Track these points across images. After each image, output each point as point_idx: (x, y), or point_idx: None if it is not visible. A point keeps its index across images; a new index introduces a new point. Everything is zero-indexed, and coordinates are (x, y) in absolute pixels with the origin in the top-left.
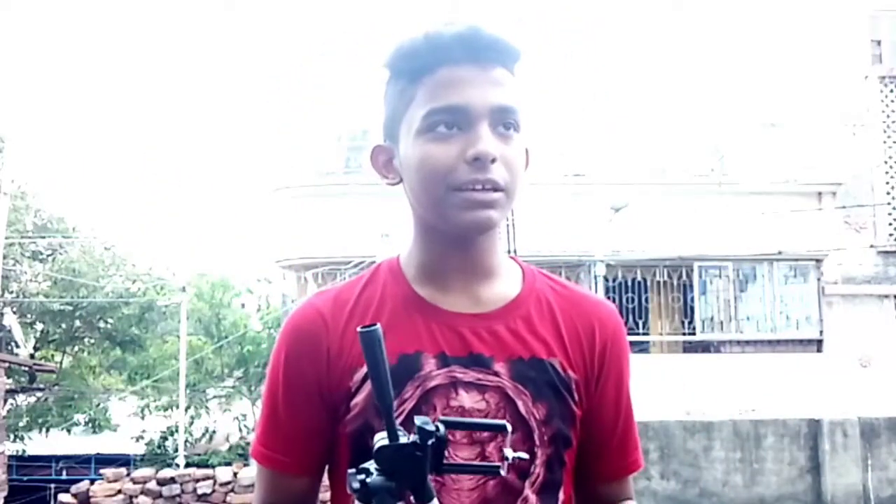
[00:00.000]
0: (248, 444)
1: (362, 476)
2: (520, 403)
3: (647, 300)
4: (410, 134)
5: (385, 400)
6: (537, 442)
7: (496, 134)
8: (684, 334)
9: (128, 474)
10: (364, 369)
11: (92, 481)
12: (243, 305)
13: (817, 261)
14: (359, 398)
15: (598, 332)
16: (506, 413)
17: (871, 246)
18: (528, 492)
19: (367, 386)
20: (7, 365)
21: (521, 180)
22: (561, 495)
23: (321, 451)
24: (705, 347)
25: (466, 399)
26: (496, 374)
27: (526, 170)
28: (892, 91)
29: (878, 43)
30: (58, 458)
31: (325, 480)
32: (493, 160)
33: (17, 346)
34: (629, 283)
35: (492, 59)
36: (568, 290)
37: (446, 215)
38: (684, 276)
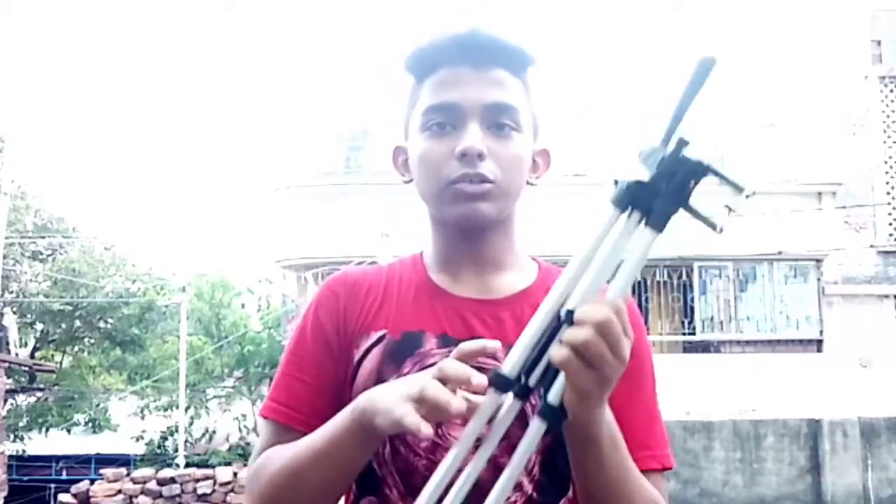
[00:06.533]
0: (248, 444)
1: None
2: None
3: (647, 300)
4: (414, 132)
5: None
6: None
7: (489, 132)
8: (684, 334)
9: (128, 474)
10: (371, 339)
11: (92, 481)
12: (243, 305)
13: (817, 261)
14: (362, 373)
15: None
16: None
17: (871, 246)
18: (523, 478)
19: (373, 356)
20: (7, 365)
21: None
22: (568, 488)
23: (326, 412)
24: (705, 347)
25: None
26: (494, 357)
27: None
28: (892, 91)
29: (878, 43)
30: (58, 458)
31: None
32: (481, 156)
33: (12, 349)
34: None
35: (489, 60)
36: None
37: (443, 209)
38: (684, 276)
